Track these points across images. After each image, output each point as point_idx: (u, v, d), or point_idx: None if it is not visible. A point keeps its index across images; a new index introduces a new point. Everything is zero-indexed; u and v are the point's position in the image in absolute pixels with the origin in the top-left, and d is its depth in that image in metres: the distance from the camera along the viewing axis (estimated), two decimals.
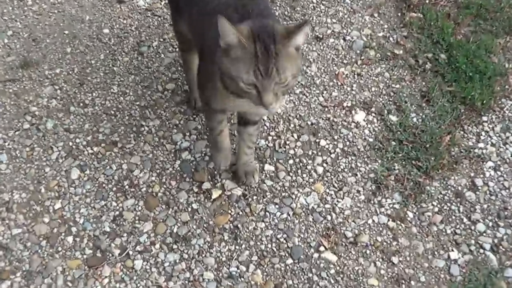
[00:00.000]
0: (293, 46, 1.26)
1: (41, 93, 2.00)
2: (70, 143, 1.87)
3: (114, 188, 1.78)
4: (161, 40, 2.21)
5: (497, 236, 1.69)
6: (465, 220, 1.72)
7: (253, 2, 1.41)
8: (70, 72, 2.09)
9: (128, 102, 2.00)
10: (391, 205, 1.74)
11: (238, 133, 1.71)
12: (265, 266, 1.61)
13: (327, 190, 1.77)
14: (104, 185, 1.78)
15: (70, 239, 1.67)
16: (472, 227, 1.71)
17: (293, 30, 1.23)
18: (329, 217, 1.71)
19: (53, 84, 2.03)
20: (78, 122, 1.93)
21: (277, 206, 1.73)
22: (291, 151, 1.86)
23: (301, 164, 1.83)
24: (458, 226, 1.71)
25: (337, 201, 1.75)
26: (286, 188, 1.77)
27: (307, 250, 1.64)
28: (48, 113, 1.95)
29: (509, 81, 2.08)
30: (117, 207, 1.73)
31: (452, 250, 1.66)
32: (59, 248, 1.65)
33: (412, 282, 1.59)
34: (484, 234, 1.70)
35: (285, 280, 1.58)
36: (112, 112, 1.97)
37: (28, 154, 1.84)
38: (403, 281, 1.59)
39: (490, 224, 1.71)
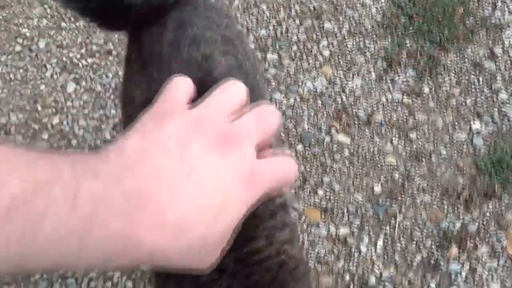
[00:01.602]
0: None
1: (31, 15, 1.91)
2: (64, 59, 1.80)
3: (112, 96, 1.71)
4: None
5: None
6: (485, 90, 1.61)
7: None
8: None
9: None
10: (405, 82, 1.63)
11: None
12: None
13: (335, 73, 1.66)
14: (101, 94, 1.72)
15: (71, 152, 1.62)
16: (494, 97, 1.60)
17: None
18: (339, 100, 1.60)
19: (42, 4, 1.94)
20: (71, 37, 1.85)
21: (283, 93, 1.63)
22: (294, 37, 1.74)
23: (305, 49, 1.71)
24: (478, 97, 1.60)
25: (347, 82, 1.64)
26: (291, 74, 1.66)
27: (318, 135, 1.55)
28: (40, 33, 1.87)
29: None
30: (117, 115, 1.67)
31: (474, 122, 1.56)
32: None
33: (433, 157, 1.50)
34: (508, 103, 1.59)
35: (297, 166, 1.50)
36: None
37: (22, 76, 1.78)
38: (423, 157, 1.50)
39: None
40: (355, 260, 1.41)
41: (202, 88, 0.55)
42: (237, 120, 0.51)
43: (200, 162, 0.47)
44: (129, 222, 0.43)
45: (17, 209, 0.38)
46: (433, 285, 1.38)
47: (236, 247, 0.63)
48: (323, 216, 1.45)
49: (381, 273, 1.39)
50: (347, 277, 1.38)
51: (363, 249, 1.42)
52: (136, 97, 0.81)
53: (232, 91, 0.53)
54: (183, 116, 0.50)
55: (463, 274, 1.38)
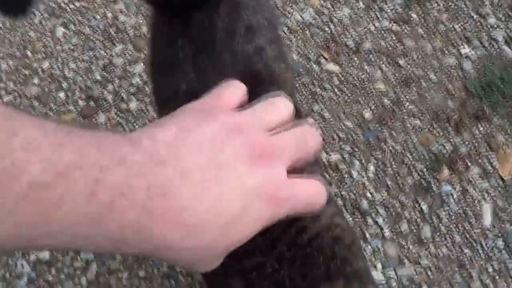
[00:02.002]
0: None
1: None
2: (52, 4, 1.79)
3: (101, 38, 1.70)
4: None
5: (509, 28, 1.56)
6: (474, 15, 1.60)
7: None
8: None
9: None
10: (393, 9, 1.61)
11: None
12: None
13: (323, 3, 1.64)
14: (90, 36, 1.71)
15: (62, 94, 1.61)
16: (483, 22, 1.59)
17: None
18: (327, 29, 1.59)
19: None
20: None
21: None
22: None
23: None
24: (467, 22, 1.59)
25: (335, 12, 1.62)
26: (279, 7, 1.65)
27: (307, 64, 1.54)
28: None
29: None
30: (106, 55, 1.66)
31: (463, 47, 1.55)
32: (52, 105, 1.60)
33: (423, 82, 1.50)
34: (497, 27, 1.57)
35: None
36: None
37: (11, 24, 1.77)
38: (413, 82, 1.50)
39: (502, 17, 1.59)
40: (347, 185, 1.41)
41: (248, 84, 0.53)
42: (276, 136, 0.50)
43: (230, 169, 0.46)
44: (145, 215, 0.42)
45: (36, 194, 0.36)
46: (424, 207, 1.39)
47: (283, 231, 0.60)
48: None
49: (373, 197, 1.40)
50: (340, 202, 1.39)
51: (355, 174, 1.42)
52: (180, 89, 0.73)
53: (280, 106, 0.52)
54: (225, 119, 0.48)
55: (455, 195, 1.39)
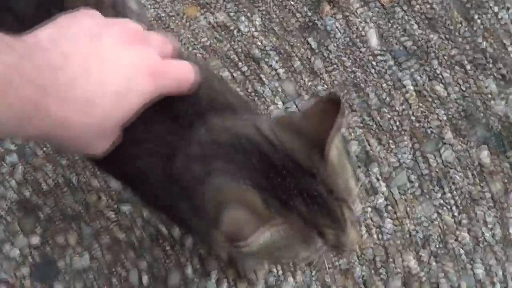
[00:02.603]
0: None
1: None
2: None
3: None
4: None
5: None
6: None
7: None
8: None
9: None
10: None
11: None
12: None
13: None
14: None
15: None
16: None
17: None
18: None
19: None
20: None
21: None
22: None
23: None
24: None
25: None
26: None
27: None
28: None
29: None
30: None
31: None
32: None
33: None
34: None
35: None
36: None
37: None
38: None
39: None
40: (237, 39, 1.45)
41: None
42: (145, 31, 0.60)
43: (109, 50, 0.53)
44: (40, 91, 0.48)
45: None
46: (313, 43, 1.44)
47: None
48: (200, 10, 1.48)
49: (263, 44, 1.44)
50: (233, 55, 1.43)
51: (243, 28, 1.46)
52: None
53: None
54: (98, 17, 0.57)
55: (339, 27, 1.45)
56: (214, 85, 0.73)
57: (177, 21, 1.45)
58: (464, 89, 1.42)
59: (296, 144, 0.60)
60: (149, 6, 1.47)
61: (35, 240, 1.27)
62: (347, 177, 0.64)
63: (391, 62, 1.43)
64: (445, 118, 1.38)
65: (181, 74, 0.61)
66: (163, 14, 1.46)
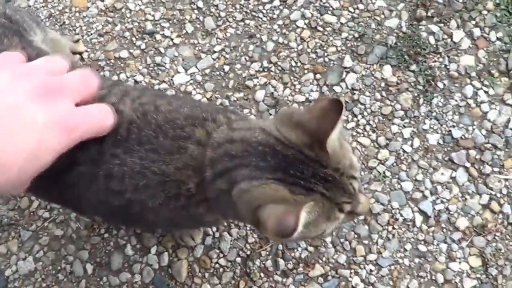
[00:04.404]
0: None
1: None
2: None
3: None
4: None
5: None
6: None
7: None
8: None
9: None
10: None
11: None
12: None
13: None
14: None
15: None
16: None
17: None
18: None
19: None
20: None
21: None
22: None
23: None
24: None
25: None
26: None
27: None
28: None
29: None
30: None
31: None
32: None
33: None
34: None
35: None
36: None
37: None
38: None
39: None
40: (129, 18, 1.46)
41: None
42: (61, 76, 0.59)
43: (22, 109, 0.53)
44: None
45: None
46: (200, 3, 1.46)
47: None
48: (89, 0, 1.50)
49: (154, 17, 1.46)
50: (128, 34, 1.44)
51: (132, 6, 1.47)
52: None
53: (57, 59, 0.61)
54: (13, 68, 0.57)
55: None
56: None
57: (69, 15, 1.46)
58: (354, 12, 1.44)
59: (300, 138, 0.66)
60: (39, 7, 1.48)
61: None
62: (350, 155, 0.71)
63: (278, 4, 1.45)
64: (342, 46, 1.41)
65: (98, 121, 0.62)
66: (55, 12, 1.48)
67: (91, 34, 1.43)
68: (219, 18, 1.43)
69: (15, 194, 0.53)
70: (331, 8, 1.43)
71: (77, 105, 0.59)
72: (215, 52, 1.40)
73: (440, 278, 1.22)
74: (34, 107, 0.54)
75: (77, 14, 1.46)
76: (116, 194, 0.73)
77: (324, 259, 1.23)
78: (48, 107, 0.55)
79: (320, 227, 0.68)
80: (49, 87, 0.57)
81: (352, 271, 1.22)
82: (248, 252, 1.23)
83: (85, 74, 0.61)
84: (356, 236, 1.25)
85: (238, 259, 1.23)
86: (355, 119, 1.33)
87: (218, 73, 1.38)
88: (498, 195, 1.26)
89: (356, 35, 1.40)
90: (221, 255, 1.23)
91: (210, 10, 1.44)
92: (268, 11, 1.43)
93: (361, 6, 1.42)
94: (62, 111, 0.56)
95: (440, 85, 1.35)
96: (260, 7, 1.42)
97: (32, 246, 1.28)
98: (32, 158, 0.54)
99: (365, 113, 1.33)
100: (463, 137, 1.31)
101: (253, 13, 1.42)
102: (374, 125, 1.32)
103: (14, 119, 0.53)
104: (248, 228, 1.24)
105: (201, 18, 1.43)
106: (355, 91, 1.35)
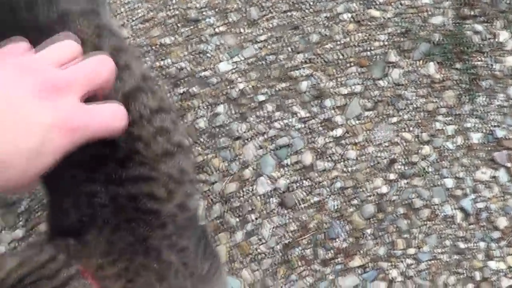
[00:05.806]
0: None
1: None
2: None
3: None
4: None
5: None
6: None
7: None
8: None
9: None
10: None
11: None
12: None
13: None
14: None
15: None
16: None
17: None
18: None
19: None
20: None
21: None
22: None
23: None
24: None
25: None
26: None
27: None
28: None
29: None
30: None
31: None
32: None
33: None
34: None
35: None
36: None
37: None
38: None
39: None
40: (172, 5, 1.47)
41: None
42: (66, 70, 0.54)
43: (24, 107, 0.50)
44: None
45: None
46: None
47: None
48: None
49: (198, 3, 1.46)
50: (171, 21, 1.45)
51: None
52: None
53: (65, 45, 0.56)
54: (14, 61, 0.53)
55: None
56: None
57: (113, 0, 1.48)
58: (399, 8, 1.45)
59: None
60: None
61: (19, 233, 1.31)
62: None
63: None
64: (386, 41, 1.41)
65: (106, 123, 0.56)
66: None
67: (134, 20, 1.44)
68: (263, 9, 1.44)
69: (19, 195, 0.52)
70: (376, 3, 1.43)
71: (88, 100, 0.55)
72: (259, 42, 1.40)
73: (478, 276, 1.21)
74: (37, 104, 0.52)
75: (120, 0, 1.47)
76: None
77: (363, 250, 1.23)
78: (50, 106, 0.53)
79: None
80: (51, 84, 0.53)
81: (391, 264, 1.22)
82: (288, 240, 1.24)
83: (96, 62, 0.56)
84: (396, 229, 1.25)
85: (278, 247, 1.23)
86: (398, 114, 1.33)
87: (261, 62, 1.38)
88: None
89: (401, 30, 1.40)
90: (261, 241, 1.24)
91: (253, 1, 1.44)
92: (313, 3, 1.43)
93: (406, 2, 1.42)
94: (65, 110, 0.53)
95: (484, 84, 1.35)
96: None
97: None
98: (34, 158, 0.52)
99: (409, 109, 1.33)
100: (505, 137, 1.31)
101: (298, 5, 1.43)
102: (418, 121, 1.32)
103: (16, 117, 0.51)
104: (289, 217, 1.25)
105: (246, 6, 1.44)
106: (399, 86, 1.35)
